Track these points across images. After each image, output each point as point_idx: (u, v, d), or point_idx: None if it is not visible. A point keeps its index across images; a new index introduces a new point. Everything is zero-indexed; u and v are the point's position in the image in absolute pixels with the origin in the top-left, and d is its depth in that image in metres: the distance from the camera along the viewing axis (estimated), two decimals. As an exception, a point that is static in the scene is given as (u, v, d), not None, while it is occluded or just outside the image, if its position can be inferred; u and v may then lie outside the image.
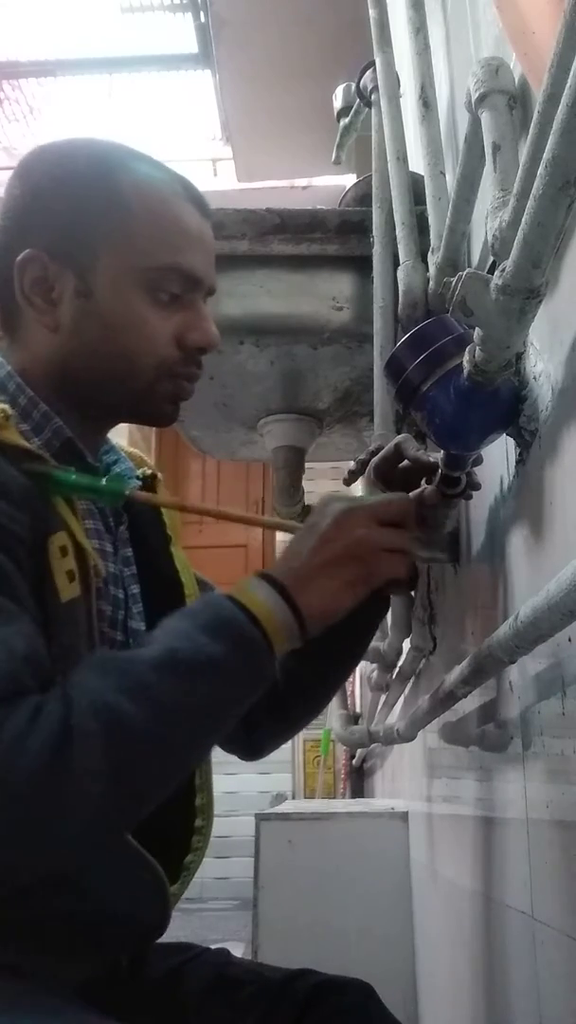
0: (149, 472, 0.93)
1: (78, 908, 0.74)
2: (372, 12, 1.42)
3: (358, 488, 1.54)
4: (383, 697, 1.91)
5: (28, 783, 0.59)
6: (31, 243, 0.80)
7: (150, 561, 0.89)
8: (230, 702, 0.70)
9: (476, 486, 0.90)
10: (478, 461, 0.88)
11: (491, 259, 0.72)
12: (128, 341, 0.81)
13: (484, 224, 0.75)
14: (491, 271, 0.61)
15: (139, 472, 0.91)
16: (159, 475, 0.94)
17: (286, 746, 5.43)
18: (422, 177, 1.12)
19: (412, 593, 1.34)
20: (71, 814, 0.61)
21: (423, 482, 0.88)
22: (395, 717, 1.77)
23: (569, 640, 0.65)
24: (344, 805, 2.57)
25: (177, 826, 0.85)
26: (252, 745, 0.97)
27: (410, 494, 0.89)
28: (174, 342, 0.82)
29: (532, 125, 0.54)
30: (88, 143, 0.86)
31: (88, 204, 0.81)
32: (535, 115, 0.53)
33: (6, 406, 0.74)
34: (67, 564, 0.73)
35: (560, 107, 0.46)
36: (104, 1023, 0.71)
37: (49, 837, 0.61)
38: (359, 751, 3.44)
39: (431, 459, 0.87)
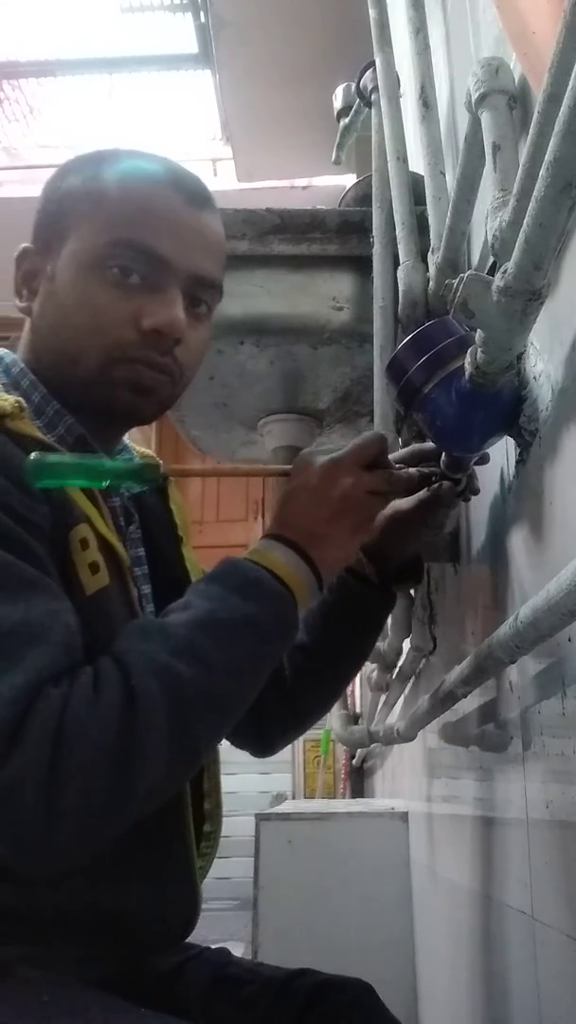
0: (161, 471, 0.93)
1: (111, 906, 0.74)
2: (372, 12, 1.41)
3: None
4: (383, 697, 1.91)
5: (103, 746, 0.62)
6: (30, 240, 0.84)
7: (161, 562, 0.89)
8: (268, 656, 0.73)
9: (475, 490, 0.90)
10: (484, 460, 0.88)
11: (491, 259, 0.72)
12: (78, 320, 0.79)
13: (484, 224, 0.75)
14: (491, 271, 0.61)
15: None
16: (171, 477, 0.94)
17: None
18: (422, 177, 1.12)
19: (412, 592, 1.34)
20: (143, 771, 0.64)
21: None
22: (395, 717, 1.77)
23: (569, 640, 0.65)
24: (344, 805, 2.57)
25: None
26: (263, 740, 0.98)
27: (414, 496, 0.90)
28: (132, 324, 0.79)
29: (532, 125, 0.54)
30: (102, 148, 0.86)
31: (68, 196, 0.82)
32: (535, 115, 0.53)
33: (20, 399, 0.74)
34: (89, 556, 0.73)
35: (562, 108, 0.46)
36: (130, 1010, 0.71)
37: (124, 796, 0.63)
38: (359, 751, 3.44)
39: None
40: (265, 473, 0.89)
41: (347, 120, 1.63)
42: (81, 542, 0.73)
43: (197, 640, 0.68)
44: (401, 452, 0.94)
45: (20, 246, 0.84)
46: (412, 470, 0.86)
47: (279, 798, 4.74)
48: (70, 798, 0.61)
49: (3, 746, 0.60)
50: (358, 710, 3.02)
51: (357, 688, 3.39)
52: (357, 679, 3.35)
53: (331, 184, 4.06)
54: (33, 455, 0.68)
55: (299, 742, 5.08)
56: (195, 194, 0.82)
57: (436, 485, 0.89)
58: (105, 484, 0.75)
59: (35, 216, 0.85)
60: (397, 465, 0.85)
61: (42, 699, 0.61)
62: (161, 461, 0.83)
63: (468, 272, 0.62)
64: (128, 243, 0.78)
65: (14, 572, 0.66)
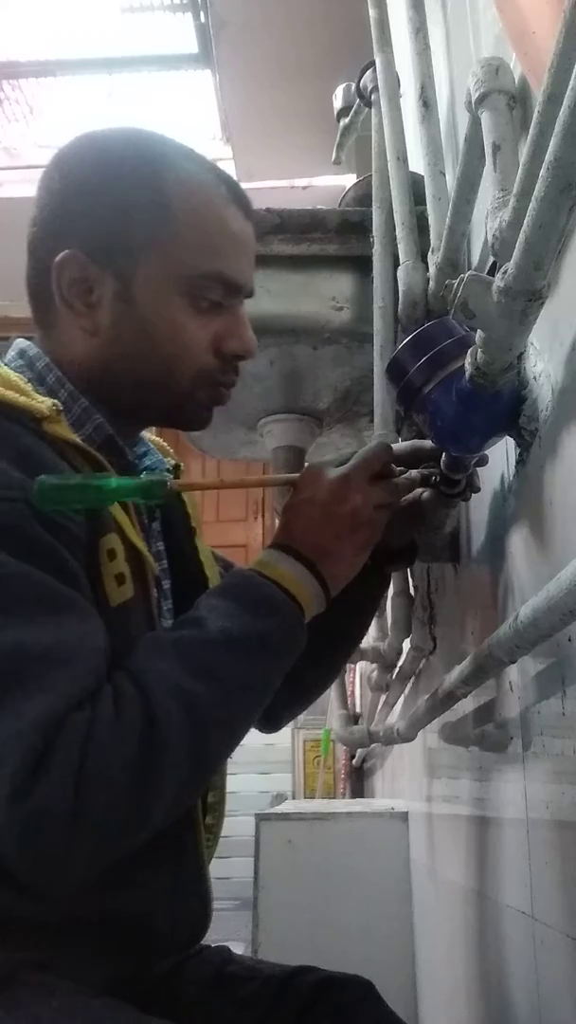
0: (173, 463, 0.94)
1: (122, 912, 0.74)
2: (372, 12, 1.41)
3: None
4: (383, 697, 1.91)
5: (125, 768, 0.63)
6: (70, 241, 0.79)
7: (177, 555, 0.90)
8: (278, 671, 0.75)
9: (475, 488, 0.90)
10: (483, 461, 0.88)
11: (491, 259, 0.72)
12: (168, 349, 0.80)
13: (484, 224, 0.75)
14: (491, 271, 0.61)
15: (166, 461, 0.92)
16: (181, 465, 0.95)
17: (286, 746, 5.40)
18: (422, 177, 1.12)
19: (412, 592, 1.34)
20: (161, 793, 0.65)
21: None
22: (395, 717, 1.77)
23: (569, 640, 0.65)
24: (344, 805, 2.56)
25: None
26: (268, 715, 0.99)
27: (410, 495, 0.90)
28: (211, 349, 0.81)
29: (532, 125, 0.54)
30: (132, 136, 0.84)
31: (131, 206, 0.79)
32: (535, 115, 0.53)
33: (57, 401, 0.73)
34: (116, 567, 0.73)
35: (562, 109, 0.46)
36: (141, 1018, 0.71)
37: (143, 818, 0.65)
38: (359, 751, 3.44)
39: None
40: (271, 483, 0.90)
41: (347, 120, 1.62)
42: (109, 552, 0.73)
43: (212, 659, 0.70)
44: (401, 446, 0.94)
45: (63, 250, 0.79)
46: (414, 473, 0.87)
47: (279, 798, 4.74)
48: (91, 825, 0.62)
49: (28, 776, 0.61)
50: (358, 710, 3.02)
51: (357, 688, 3.39)
52: (357, 679, 3.35)
53: (331, 184, 4.06)
54: (38, 479, 0.67)
55: (299, 742, 5.08)
56: (246, 203, 0.84)
57: (434, 481, 0.89)
58: (110, 503, 0.74)
59: (75, 215, 0.80)
60: (398, 469, 0.85)
61: (66, 726, 0.62)
62: (169, 476, 0.83)
63: (468, 272, 0.62)
64: (217, 276, 0.80)
65: (46, 592, 0.66)
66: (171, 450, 0.97)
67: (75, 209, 0.80)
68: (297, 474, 0.84)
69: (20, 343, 0.82)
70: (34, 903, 0.69)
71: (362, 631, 1.03)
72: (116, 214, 0.79)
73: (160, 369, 0.80)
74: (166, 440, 0.99)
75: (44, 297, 0.82)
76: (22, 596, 0.65)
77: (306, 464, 1.55)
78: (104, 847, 0.64)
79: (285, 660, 0.75)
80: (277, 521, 0.89)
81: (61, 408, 0.73)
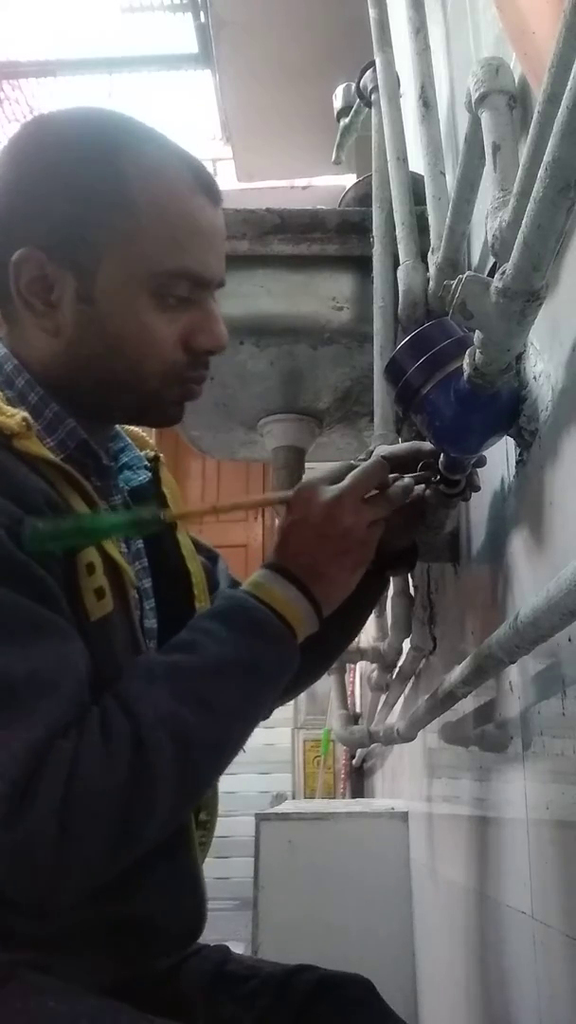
0: (152, 454, 0.92)
1: (119, 913, 0.74)
2: (372, 12, 1.41)
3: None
4: (383, 697, 1.91)
5: (112, 798, 0.63)
6: (28, 237, 0.75)
7: (157, 551, 0.88)
8: (269, 695, 0.75)
9: (475, 487, 0.90)
10: (481, 462, 0.88)
11: (492, 259, 0.72)
12: (134, 350, 0.77)
13: (484, 224, 0.75)
14: (492, 272, 0.61)
15: (143, 454, 0.90)
16: (161, 456, 0.93)
17: (286, 746, 5.39)
18: (422, 177, 1.12)
19: (412, 592, 1.34)
20: (150, 817, 0.66)
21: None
22: (395, 717, 1.77)
23: (569, 640, 0.65)
24: (344, 805, 2.57)
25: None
26: None
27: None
28: (180, 345, 0.78)
29: (532, 125, 0.54)
30: (88, 120, 0.79)
31: (90, 200, 0.75)
32: (535, 115, 0.53)
33: (27, 414, 0.71)
34: (96, 581, 0.72)
35: (560, 109, 0.46)
36: (139, 1018, 0.71)
37: (131, 843, 0.66)
38: (359, 751, 3.43)
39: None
40: (265, 503, 0.89)
41: (347, 120, 1.62)
42: (88, 566, 0.72)
43: (204, 686, 0.70)
44: (400, 447, 0.93)
45: (19, 247, 0.75)
46: (408, 480, 0.85)
47: (279, 798, 4.74)
48: (78, 853, 0.63)
49: (15, 805, 0.61)
50: (358, 710, 3.02)
51: (357, 688, 3.39)
52: (357, 679, 3.35)
53: (331, 184, 4.06)
54: (31, 524, 0.66)
55: (299, 742, 5.08)
56: (214, 190, 0.79)
57: (434, 481, 0.89)
58: (103, 539, 0.73)
59: (31, 209, 0.76)
60: (392, 475, 0.84)
61: (52, 754, 0.62)
62: (160, 511, 0.80)
63: (467, 273, 0.62)
64: (183, 272, 0.76)
65: (23, 615, 0.65)
66: (150, 440, 0.94)
67: (30, 203, 0.76)
68: (292, 491, 0.82)
69: None
70: (29, 915, 0.69)
71: (355, 630, 1.03)
72: (74, 208, 0.75)
73: (126, 370, 0.77)
74: (167, 440, 0.97)
75: (4, 292, 0.78)
76: (2, 621, 0.65)
77: (304, 475, 1.55)
78: (91, 872, 0.65)
79: (277, 685, 0.75)
80: (277, 521, 0.88)
81: (31, 423, 0.71)
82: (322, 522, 0.78)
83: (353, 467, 0.83)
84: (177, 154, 0.79)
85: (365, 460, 0.96)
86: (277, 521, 0.85)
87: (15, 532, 0.66)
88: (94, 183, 0.75)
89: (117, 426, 0.89)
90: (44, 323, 0.77)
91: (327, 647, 0.97)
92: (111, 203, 0.75)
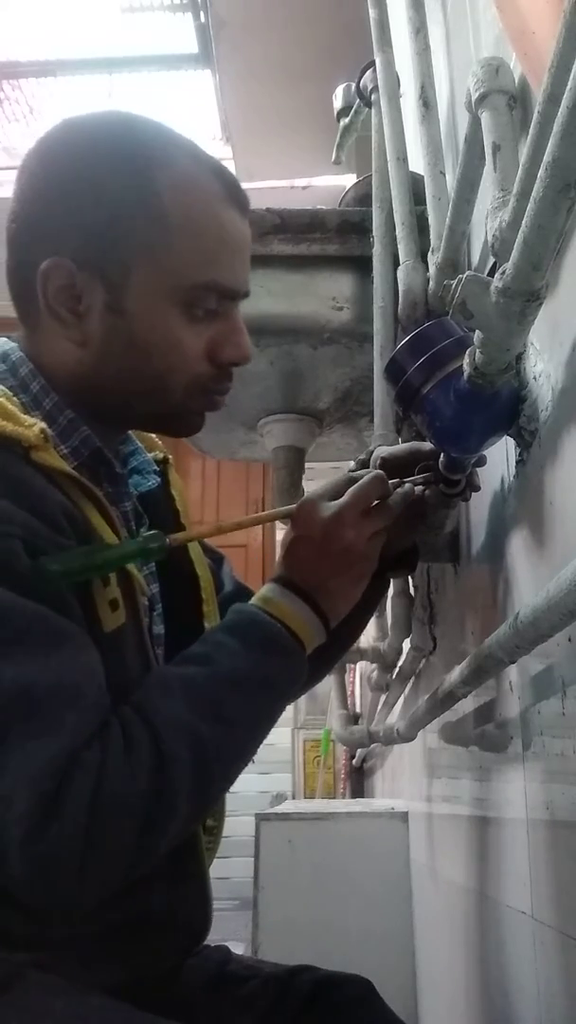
0: (161, 456, 0.92)
1: (126, 916, 0.74)
2: (372, 12, 1.41)
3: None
4: (383, 697, 1.91)
5: (136, 807, 0.65)
6: (57, 246, 0.75)
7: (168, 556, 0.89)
8: (281, 707, 0.77)
9: (475, 487, 0.90)
10: (481, 462, 0.88)
11: (491, 259, 0.72)
12: (161, 361, 0.77)
13: (484, 224, 0.75)
14: (491, 272, 0.61)
15: (152, 456, 0.91)
16: (170, 457, 0.94)
17: (286, 746, 5.39)
18: (422, 177, 1.12)
19: (412, 592, 1.34)
20: (169, 826, 0.67)
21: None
22: (395, 717, 1.77)
23: (569, 640, 0.65)
24: (344, 805, 2.57)
25: None
26: None
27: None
28: (206, 357, 0.79)
29: (532, 126, 0.54)
30: (120, 127, 0.78)
31: (122, 210, 0.75)
32: (535, 115, 0.53)
33: (44, 425, 0.71)
34: (110, 593, 0.73)
35: (560, 109, 0.46)
36: (145, 1019, 0.71)
37: (149, 853, 0.66)
38: (359, 751, 3.43)
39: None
40: (268, 519, 0.89)
41: (347, 120, 1.63)
42: (103, 578, 0.72)
43: (219, 700, 0.71)
44: (399, 448, 0.93)
45: (48, 255, 0.74)
46: (407, 487, 0.86)
47: (279, 798, 4.73)
48: (103, 861, 0.63)
49: (41, 818, 0.61)
50: (358, 710, 3.02)
51: (357, 688, 3.39)
52: (357, 679, 3.35)
53: (331, 184, 4.06)
54: (46, 565, 0.66)
55: (299, 742, 5.07)
56: (242, 201, 0.80)
57: (433, 483, 0.89)
58: (112, 571, 0.74)
59: (61, 217, 0.75)
60: (392, 481, 0.84)
61: (78, 765, 0.63)
62: (164, 536, 0.78)
63: (467, 273, 0.62)
64: (213, 285, 0.76)
65: (43, 626, 0.66)
66: (158, 441, 0.95)
67: (61, 210, 0.76)
68: (294, 506, 0.83)
69: (3, 345, 0.79)
70: (50, 921, 0.69)
71: (357, 635, 1.03)
72: (105, 218, 0.75)
73: (152, 380, 0.78)
74: (167, 440, 0.97)
75: (27, 297, 0.77)
76: (23, 630, 0.65)
77: (303, 475, 1.55)
78: (112, 880, 0.65)
79: (288, 697, 0.77)
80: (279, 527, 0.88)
81: (49, 433, 0.71)
82: (324, 539, 0.80)
83: (353, 480, 0.83)
84: (208, 164, 0.79)
85: (365, 460, 0.96)
86: (279, 526, 0.86)
87: (34, 545, 0.66)
88: (126, 195, 0.75)
89: (130, 433, 0.89)
90: (71, 333, 0.77)
91: (330, 652, 0.97)
92: (142, 213, 0.75)
